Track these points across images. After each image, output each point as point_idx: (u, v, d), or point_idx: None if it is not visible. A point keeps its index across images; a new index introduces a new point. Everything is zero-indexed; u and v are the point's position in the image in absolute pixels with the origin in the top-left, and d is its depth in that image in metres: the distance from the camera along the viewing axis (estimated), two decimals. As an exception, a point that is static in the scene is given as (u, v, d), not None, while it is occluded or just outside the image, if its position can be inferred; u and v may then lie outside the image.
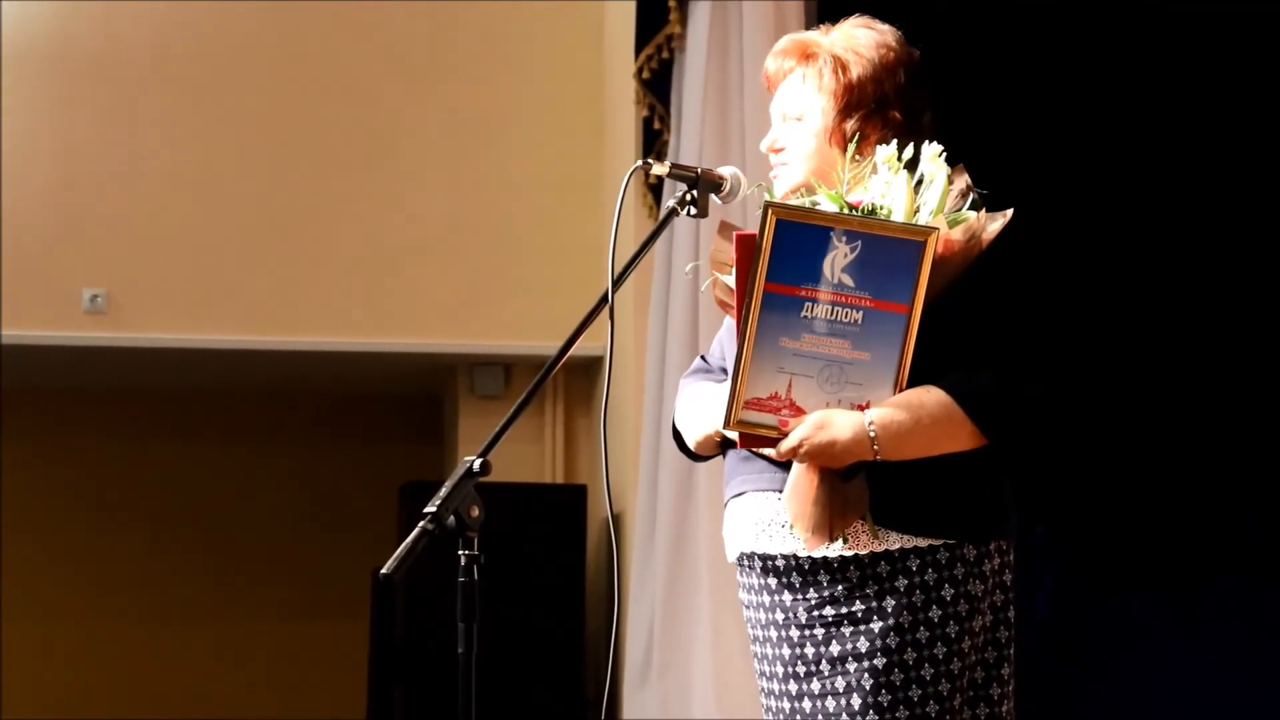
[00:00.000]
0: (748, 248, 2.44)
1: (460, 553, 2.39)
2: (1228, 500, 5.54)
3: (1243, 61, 5.50)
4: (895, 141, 2.55)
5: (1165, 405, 5.55)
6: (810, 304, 2.44)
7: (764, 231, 2.42)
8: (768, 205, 2.44)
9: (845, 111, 2.63)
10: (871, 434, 2.45)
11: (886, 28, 2.70)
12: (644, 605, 5.69)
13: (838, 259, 2.43)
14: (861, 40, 2.66)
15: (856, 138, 2.60)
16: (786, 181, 2.67)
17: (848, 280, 2.43)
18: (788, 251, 2.42)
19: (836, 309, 2.44)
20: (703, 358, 2.82)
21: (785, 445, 2.47)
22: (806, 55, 2.68)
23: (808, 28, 5.34)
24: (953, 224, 2.52)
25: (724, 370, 2.74)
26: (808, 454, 2.46)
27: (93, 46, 6.56)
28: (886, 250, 2.42)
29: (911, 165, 2.53)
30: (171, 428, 8.72)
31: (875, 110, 2.63)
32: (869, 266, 2.42)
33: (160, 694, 8.63)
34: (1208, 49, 5.51)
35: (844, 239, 2.43)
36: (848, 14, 2.75)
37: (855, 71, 2.63)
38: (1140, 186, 5.55)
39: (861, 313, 2.44)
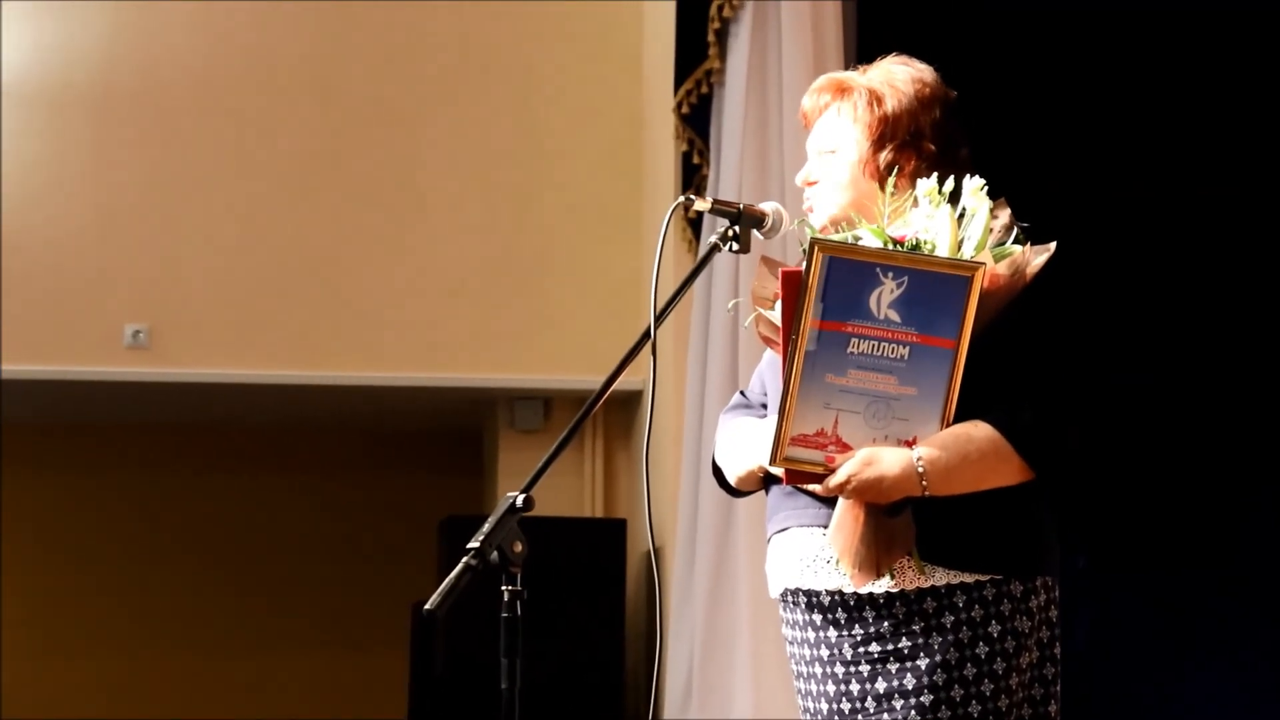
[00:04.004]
0: (793, 284, 2.44)
1: (503, 588, 2.38)
2: (1264, 493, 5.52)
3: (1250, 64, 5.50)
4: (935, 175, 2.55)
5: (1198, 398, 5.54)
6: (856, 340, 2.43)
7: (810, 268, 2.42)
8: (814, 242, 2.43)
9: (879, 143, 2.64)
10: (920, 470, 2.44)
11: (924, 66, 2.71)
12: (683, 639, 5.68)
13: (884, 295, 2.43)
14: (898, 75, 2.67)
15: (896, 170, 2.61)
16: (822, 214, 2.68)
17: (894, 316, 2.43)
18: (834, 288, 2.42)
19: (883, 344, 2.44)
20: (742, 393, 2.82)
21: (833, 481, 2.46)
22: (842, 90, 2.70)
23: (846, 63, 5.39)
24: (997, 258, 2.52)
25: (763, 405, 2.74)
26: (855, 490, 2.45)
27: (132, 83, 6.61)
28: (933, 285, 2.42)
29: (953, 199, 2.53)
30: (212, 462, 8.76)
31: (909, 142, 2.63)
32: (915, 302, 2.42)
33: (200, 726, 8.65)
34: (1227, 55, 5.51)
35: (890, 275, 2.43)
36: (886, 43, 2.76)
37: (890, 104, 2.64)
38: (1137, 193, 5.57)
39: (908, 348, 2.43)
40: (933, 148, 2.63)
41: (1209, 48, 5.49)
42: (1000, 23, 5.44)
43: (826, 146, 2.69)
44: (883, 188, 2.58)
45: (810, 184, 2.71)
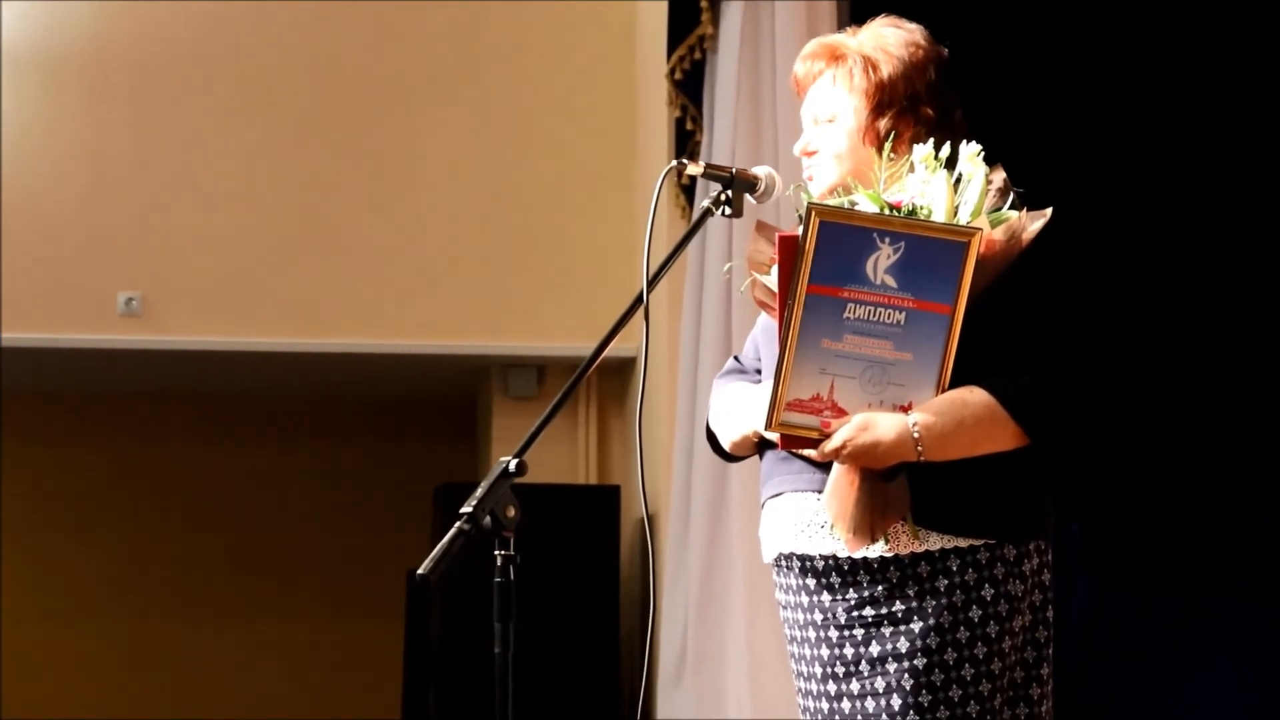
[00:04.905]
0: (790, 249, 2.43)
1: (496, 553, 2.38)
2: (1259, 492, 5.53)
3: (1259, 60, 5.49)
4: (932, 140, 2.55)
5: (1193, 398, 5.54)
6: (852, 305, 2.43)
7: (807, 233, 2.41)
8: (811, 206, 2.43)
9: (877, 110, 2.63)
10: (915, 435, 2.44)
11: (915, 26, 2.70)
12: (678, 605, 5.69)
13: (881, 260, 2.43)
14: (890, 39, 2.66)
15: (891, 136, 2.60)
16: (822, 183, 2.67)
17: (890, 281, 2.43)
18: (830, 253, 2.41)
19: (879, 310, 2.43)
20: (736, 358, 2.82)
21: (829, 446, 2.46)
22: (835, 57, 2.68)
23: (840, 27, 5.36)
24: (994, 223, 2.52)
25: (758, 370, 2.74)
26: (851, 455, 2.45)
27: (127, 51, 6.59)
28: (930, 251, 2.42)
29: (949, 164, 2.53)
30: (206, 430, 8.76)
31: (907, 108, 2.63)
32: (912, 267, 2.42)
33: (195, 695, 8.67)
34: (1236, 46, 5.49)
35: (887, 240, 2.42)
36: (879, 13, 2.75)
37: (885, 70, 2.63)
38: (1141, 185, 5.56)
39: (904, 313, 2.43)
40: (930, 112, 2.63)
41: (1204, 47, 5.48)
42: (996, 22, 5.42)
43: (824, 115, 2.68)
44: (880, 154, 2.57)
45: (809, 154, 2.70)
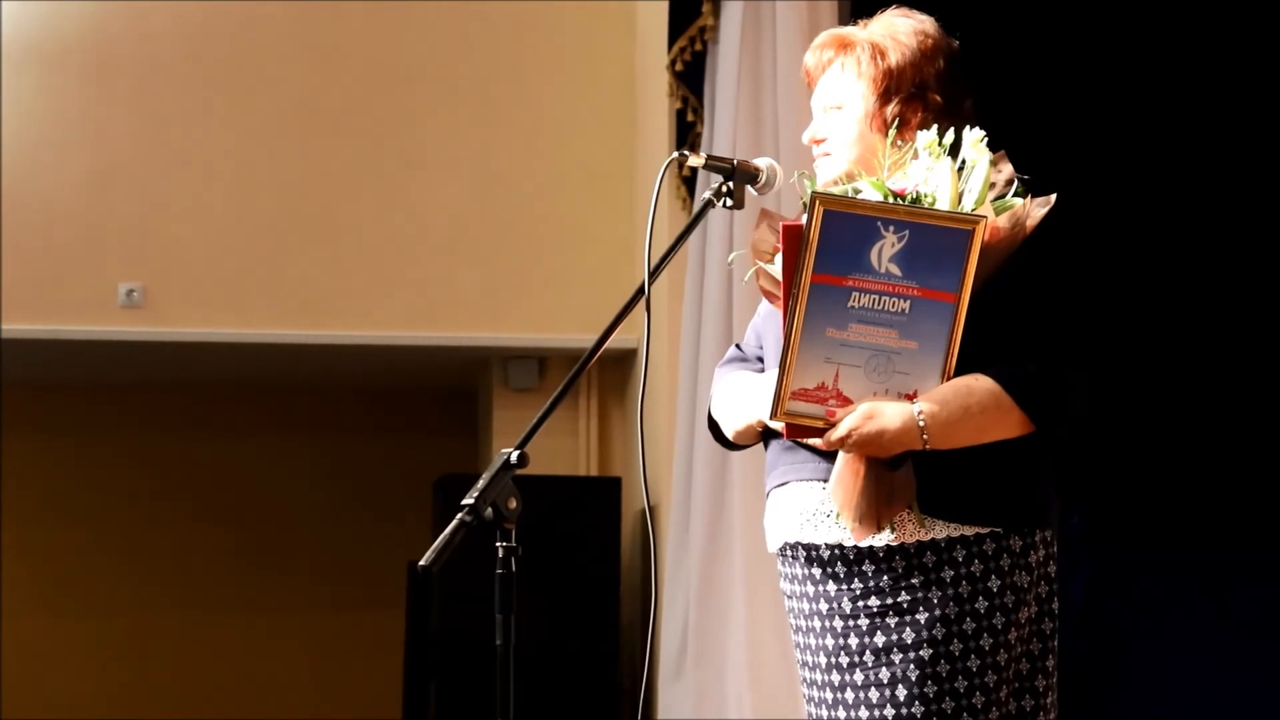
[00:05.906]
0: (794, 238, 2.43)
1: (498, 545, 2.38)
2: (1260, 478, 5.51)
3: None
4: (935, 126, 2.55)
5: (1198, 387, 5.52)
6: (857, 294, 2.43)
7: (811, 221, 2.41)
8: (815, 195, 2.43)
9: (885, 96, 2.63)
10: (921, 423, 2.44)
11: (925, 17, 2.70)
12: (679, 597, 5.69)
13: (885, 248, 2.42)
14: (900, 28, 2.67)
15: (897, 122, 2.60)
16: (830, 170, 2.67)
17: (895, 269, 2.42)
18: (835, 241, 2.41)
19: (884, 298, 2.43)
20: (737, 346, 2.82)
21: (834, 435, 2.45)
22: (844, 46, 2.69)
23: (840, 15, 5.36)
24: (998, 210, 2.51)
25: (759, 358, 2.74)
26: (857, 444, 2.45)
27: (127, 43, 6.58)
28: (934, 239, 2.41)
29: (953, 151, 2.52)
30: (206, 421, 8.76)
31: (915, 94, 2.63)
32: (916, 255, 2.41)
33: (195, 685, 8.67)
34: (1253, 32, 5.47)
35: (891, 228, 2.42)
36: (879, 3, 2.75)
37: (894, 57, 2.64)
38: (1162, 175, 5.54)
39: (909, 302, 2.43)
40: (939, 99, 2.63)
41: (1204, 45, 5.46)
42: (997, 19, 5.40)
43: (832, 103, 2.68)
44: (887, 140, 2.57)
45: (817, 142, 2.70)
